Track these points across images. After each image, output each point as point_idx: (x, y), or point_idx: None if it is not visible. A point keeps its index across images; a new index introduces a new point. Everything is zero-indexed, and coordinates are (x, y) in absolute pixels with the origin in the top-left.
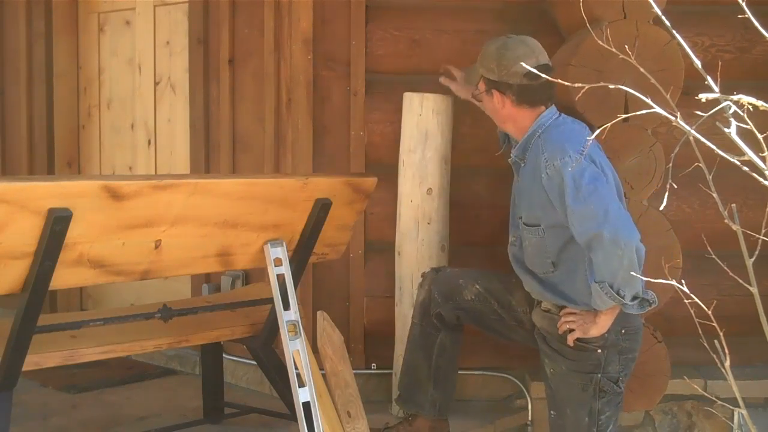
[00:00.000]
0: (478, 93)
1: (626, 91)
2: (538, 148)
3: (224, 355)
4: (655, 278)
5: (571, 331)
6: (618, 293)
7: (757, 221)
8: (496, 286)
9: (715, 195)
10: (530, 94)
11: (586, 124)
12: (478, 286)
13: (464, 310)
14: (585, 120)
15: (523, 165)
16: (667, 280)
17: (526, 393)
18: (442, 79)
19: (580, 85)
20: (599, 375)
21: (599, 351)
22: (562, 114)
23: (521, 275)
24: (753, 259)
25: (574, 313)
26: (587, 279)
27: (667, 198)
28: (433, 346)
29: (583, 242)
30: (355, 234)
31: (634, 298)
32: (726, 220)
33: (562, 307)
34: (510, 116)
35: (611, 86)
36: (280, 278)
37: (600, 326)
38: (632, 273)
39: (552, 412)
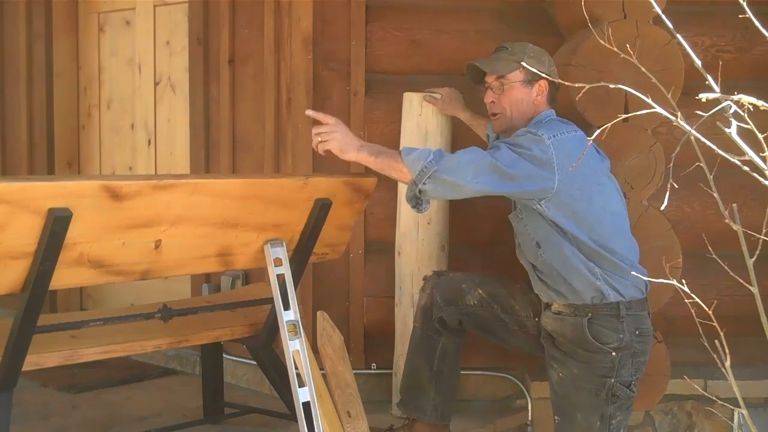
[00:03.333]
0: (506, 82)
1: (626, 91)
2: None
3: (224, 355)
4: (655, 278)
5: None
6: (422, 171)
7: (756, 221)
8: (499, 291)
9: (716, 195)
10: (555, 91)
11: (585, 125)
12: (480, 291)
13: (467, 315)
14: (585, 120)
15: None
16: (668, 280)
17: (526, 393)
18: (425, 98)
19: (580, 85)
20: (612, 379)
21: (614, 354)
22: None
23: (530, 274)
24: (753, 259)
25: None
26: (574, 257)
27: (669, 198)
28: (435, 350)
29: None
30: (355, 234)
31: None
32: (726, 220)
33: (575, 308)
34: (532, 107)
35: (611, 86)
36: (280, 278)
37: (345, 144)
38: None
39: (557, 417)
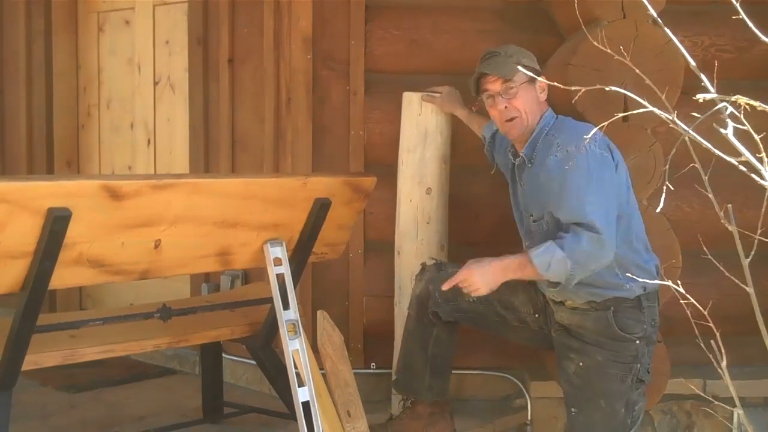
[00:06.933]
0: (514, 85)
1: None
2: (548, 144)
3: (224, 355)
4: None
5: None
6: (570, 275)
7: (758, 220)
8: (499, 288)
9: (711, 195)
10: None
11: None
12: None
13: (464, 312)
14: (585, 120)
15: (530, 166)
16: (666, 279)
17: (526, 393)
18: (424, 97)
19: (576, 88)
20: (638, 365)
21: (638, 342)
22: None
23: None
24: (750, 259)
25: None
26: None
27: (668, 198)
28: (429, 338)
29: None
30: (355, 234)
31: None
32: (723, 220)
33: (596, 303)
34: (541, 106)
35: (608, 89)
36: (280, 278)
37: (487, 281)
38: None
39: (573, 408)
